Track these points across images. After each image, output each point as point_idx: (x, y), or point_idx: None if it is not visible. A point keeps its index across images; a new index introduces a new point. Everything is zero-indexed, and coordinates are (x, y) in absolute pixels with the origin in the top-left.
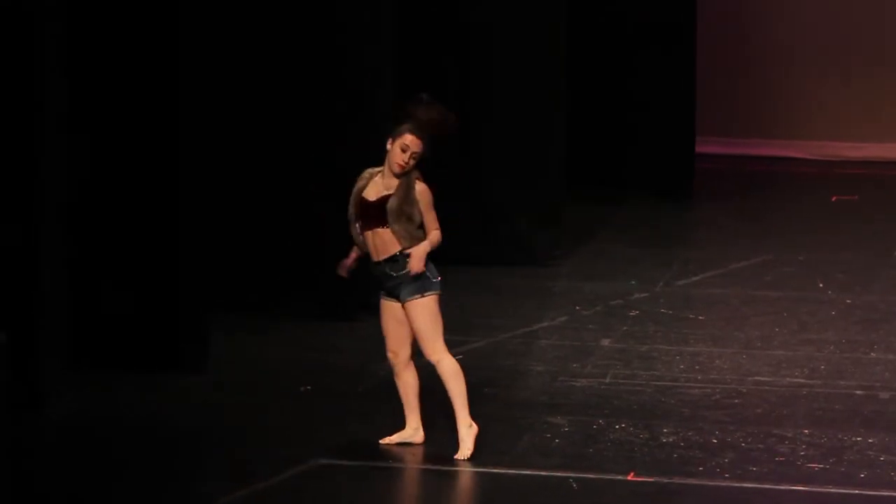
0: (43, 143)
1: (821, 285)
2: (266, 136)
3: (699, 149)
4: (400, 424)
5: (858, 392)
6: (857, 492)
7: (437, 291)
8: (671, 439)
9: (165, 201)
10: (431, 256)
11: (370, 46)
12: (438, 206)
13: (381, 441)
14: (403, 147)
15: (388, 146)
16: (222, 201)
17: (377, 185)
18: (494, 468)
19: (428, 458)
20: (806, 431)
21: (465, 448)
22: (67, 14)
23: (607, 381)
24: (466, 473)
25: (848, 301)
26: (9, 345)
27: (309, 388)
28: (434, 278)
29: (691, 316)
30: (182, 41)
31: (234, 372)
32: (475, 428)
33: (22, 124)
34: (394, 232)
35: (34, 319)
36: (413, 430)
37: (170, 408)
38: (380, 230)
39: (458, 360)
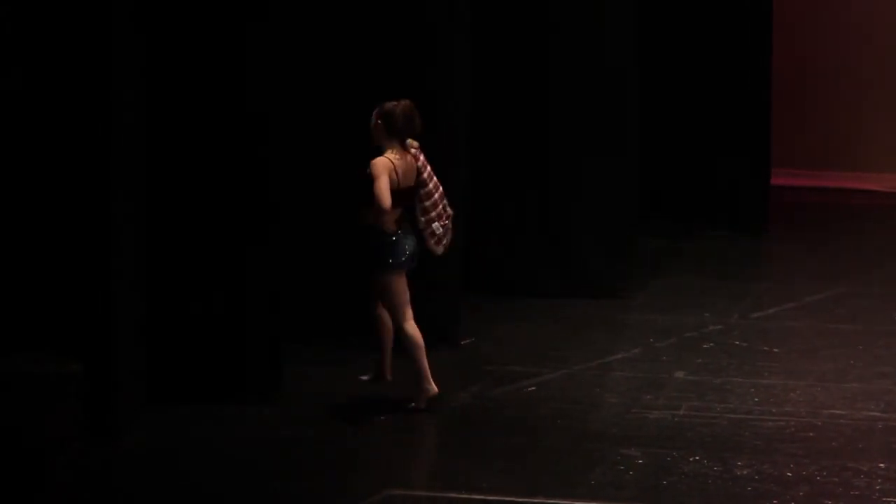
0: (117, 177)
1: None
2: (337, 170)
3: (774, 181)
4: (474, 449)
5: None
6: None
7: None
8: (745, 472)
9: (237, 235)
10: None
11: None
12: (513, 237)
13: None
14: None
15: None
16: (293, 234)
17: None
18: (567, 500)
19: (500, 489)
20: (882, 465)
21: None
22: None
23: (681, 413)
24: None
25: None
26: (84, 376)
27: (383, 418)
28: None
29: (765, 349)
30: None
31: (307, 403)
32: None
33: (96, 160)
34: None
35: (109, 351)
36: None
37: (242, 439)
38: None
39: (531, 392)
